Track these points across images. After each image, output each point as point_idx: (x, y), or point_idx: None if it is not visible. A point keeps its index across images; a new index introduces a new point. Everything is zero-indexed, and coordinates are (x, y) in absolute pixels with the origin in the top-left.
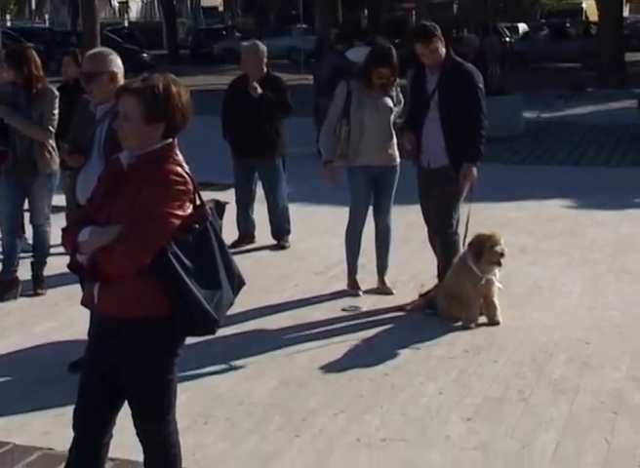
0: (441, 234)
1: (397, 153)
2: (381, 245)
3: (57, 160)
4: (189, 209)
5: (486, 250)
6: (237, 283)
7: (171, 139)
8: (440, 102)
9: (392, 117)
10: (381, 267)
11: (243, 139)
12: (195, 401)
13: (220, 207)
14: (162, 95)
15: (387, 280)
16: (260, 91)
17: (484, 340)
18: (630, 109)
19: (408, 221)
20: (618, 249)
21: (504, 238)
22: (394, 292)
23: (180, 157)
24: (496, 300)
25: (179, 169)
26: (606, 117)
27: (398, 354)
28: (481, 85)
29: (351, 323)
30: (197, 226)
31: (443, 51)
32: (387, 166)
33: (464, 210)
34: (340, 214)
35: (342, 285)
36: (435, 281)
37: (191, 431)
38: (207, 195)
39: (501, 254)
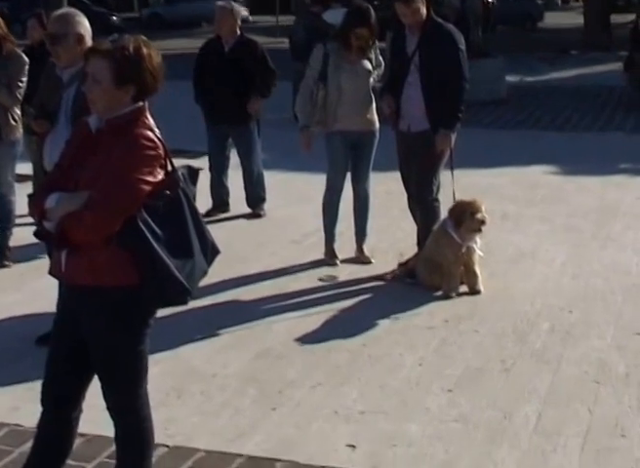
0: (421, 201)
1: (376, 118)
2: (360, 212)
3: (21, 128)
4: (160, 175)
5: (467, 217)
6: (211, 252)
7: (141, 103)
8: (420, 65)
9: (371, 80)
10: (360, 235)
11: (216, 104)
12: (168, 374)
13: (193, 173)
14: (133, 56)
15: (366, 248)
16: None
17: (465, 310)
18: (616, 72)
19: (387, 188)
20: (602, 215)
21: (486, 205)
22: (373, 260)
23: (151, 121)
24: (477, 269)
25: (149, 133)
26: (591, 81)
27: (377, 324)
28: (463, 47)
29: (329, 293)
30: (168, 193)
31: (424, 11)
32: (366, 131)
33: (446, 176)
34: (317, 182)
35: (320, 254)
36: (415, 249)
37: (164, 405)
38: (180, 163)
39: (483, 222)
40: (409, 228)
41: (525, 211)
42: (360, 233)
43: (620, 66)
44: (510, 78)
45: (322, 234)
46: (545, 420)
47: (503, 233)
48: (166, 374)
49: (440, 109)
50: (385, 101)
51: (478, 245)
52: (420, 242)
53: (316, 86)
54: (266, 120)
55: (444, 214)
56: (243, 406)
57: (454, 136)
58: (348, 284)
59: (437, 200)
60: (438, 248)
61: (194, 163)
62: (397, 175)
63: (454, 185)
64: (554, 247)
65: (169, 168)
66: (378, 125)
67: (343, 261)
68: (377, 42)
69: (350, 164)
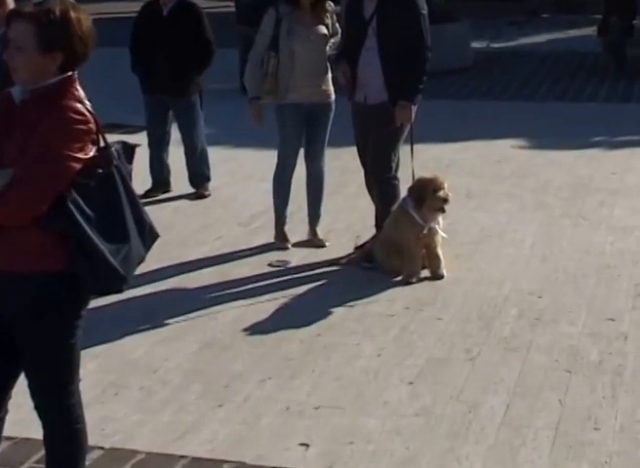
0: (379, 178)
1: (332, 89)
2: (313, 191)
3: None
4: (92, 151)
5: (428, 195)
6: (149, 235)
7: (70, 73)
8: (378, 30)
9: (327, 48)
10: (313, 216)
11: (154, 73)
12: (104, 368)
13: (128, 149)
14: (59, 20)
15: (320, 231)
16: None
17: (427, 295)
18: (590, 37)
19: (343, 165)
20: (574, 191)
21: (449, 181)
22: (327, 243)
23: (81, 93)
24: (439, 251)
25: (78, 105)
26: (563, 46)
27: (331, 312)
28: (425, 12)
29: (279, 279)
30: (101, 171)
31: None
32: (321, 103)
33: (406, 151)
34: (267, 158)
35: (269, 236)
36: (373, 231)
37: (100, 402)
38: (116, 139)
39: (445, 200)
40: (366, 208)
41: (491, 187)
42: (313, 214)
43: (594, 31)
44: (476, 44)
45: (272, 215)
46: (513, 412)
47: (468, 212)
48: (102, 369)
49: (399, 79)
50: (340, 69)
51: (441, 225)
52: (379, 223)
53: (267, 53)
54: (211, 90)
55: (404, 192)
56: (186, 402)
57: (414, 109)
58: (301, 269)
59: (396, 177)
60: (398, 229)
61: (131, 139)
62: (353, 150)
63: (413, 161)
64: (522, 226)
65: (101, 143)
66: (334, 96)
67: (295, 245)
68: (333, 6)
69: (304, 139)
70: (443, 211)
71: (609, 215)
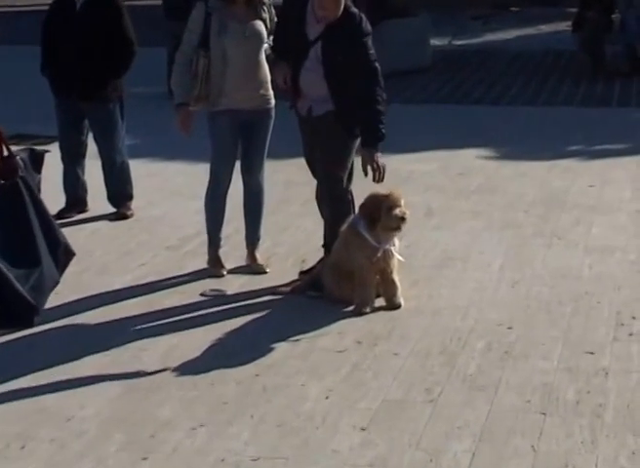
0: (328, 192)
1: (272, 93)
2: (252, 210)
3: None
4: None
5: (383, 213)
6: (64, 255)
7: None
8: (324, 59)
9: (265, 46)
10: (252, 239)
11: (66, 75)
12: (9, 418)
13: (36, 157)
14: None
15: (259, 255)
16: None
17: (382, 328)
18: (564, 33)
19: (285, 179)
20: (547, 207)
21: (406, 198)
22: (268, 270)
23: None
24: (396, 277)
25: None
26: (535, 43)
27: (273, 349)
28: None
29: (213, 310)
30: (4, 182)
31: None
32: (259, 109)
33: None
34: (198, 172)
35: (202, 262)
36: (320, 253)
37: (4, 458)
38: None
39: (402, 219)
40: (313, 227)
41: (454, 204)
42: (252, 236)
43: (569, 26)
44: (436, 41)
45: (204, 238)
46: (480, 461)
47: (428, 232)
48: (6, 419)
49: (347, 92)
50: (280, 75)
51: (397, 248)
52: (328, 244)
53: (196, 53)
54: (133, 95)
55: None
56: (106, 455)
57: (378, 156)
58: (238, 299)
59: (348, 191)
60: (348, 252)
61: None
62: (297, 162)
63: (351, 173)
64: (489, 247)
65: (4, 153)
66: (273, 102)
67: (231, 271)
68: None
69: (240, 150)
70: (399, 230)
71: (586, 234)
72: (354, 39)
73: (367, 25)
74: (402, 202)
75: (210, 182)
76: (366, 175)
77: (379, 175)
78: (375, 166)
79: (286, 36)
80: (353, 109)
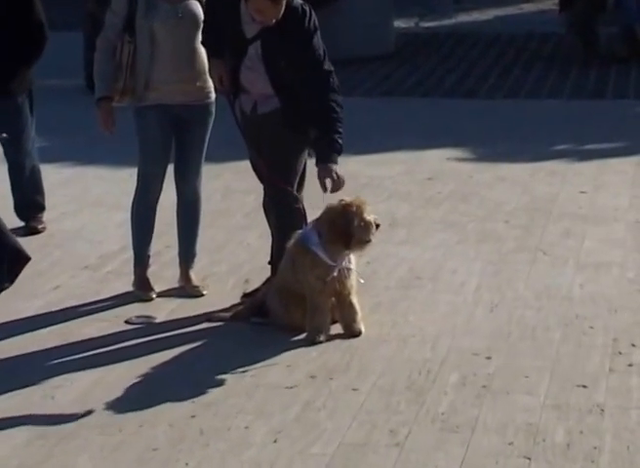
0: (275, 203)
1: (211, 85)
2: (187, 222)
3: None
4: None
5: (355, 225)
6: (13, 260)
7: None
8: (265, 60)
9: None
10: (186, 256)
11: None
12: None
13: None
14: None
15: (195, 275)
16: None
17: (339, 359)
18: (550, 13)
19: (225, 186)
20: (531, 217)
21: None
22: (205, 292)
23: None
24: (354, 300)
25: None
26: (516, 25)
27: (211, 385)
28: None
29: (141, 340)
30: None
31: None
32: (195, 105)
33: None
34: (123, 179)
35: (127, 284)
36: (267, 273)
37: None
38: None
39: (377, 226)
40: (257, 243)
41: (422, 213)
42: (186, 252)
43: (555, 4)
44: (400, 23)
45: (130, 255)
46: None
47: (392, 247)
48: None
49: (298, 106)
50: (215, 74)
51: (353, 264)
52: (275, 262)
53: (120, 38)
54: (45, 88)
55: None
56: None
57: (335, 170)
58: (169, 327)
59: (298, 200)
60: (296, 272)
61: None
62: (239, 166)
63: (303, 180)
64: (464, 264)
65: None
66: (213, 96)
67: (162, 294)
68: None
69: (174, 152)
70: (369, 242)
71: (577, 249)
72: (297, 39)
73: (312, 21)
74: (368, 207)
75: (137, 190)
76: (325, 190)
77: (336, 189)
78: (333, 179)
79: (218, 32)
80: (302, 108)
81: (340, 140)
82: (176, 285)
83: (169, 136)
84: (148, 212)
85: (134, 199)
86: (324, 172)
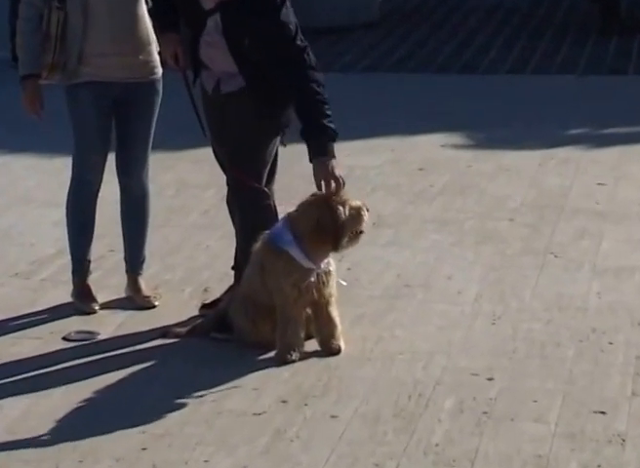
0: (239, 199)
1: (157, 59)
2: (133, 222)
3: None
4: None
5: (346, 217)
6: None
7: None
8: (226, 35)
9: None
10: (134, 261)
11: None
12: None
13: None
14: None
15: (145, 283)
16: None
17: (314, 381)
18: None
19: (178, 179)
20: (540, 214)
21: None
22: (157, 303)
23: None
24: (334, 312)
25: None
26: None
27: (165, 412)
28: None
29: (82, 361)
30: None
31: None
32: (138, 82)
33: (287, 154)
34: (57, 169)
35: (65, 294)
36: (230, 280)
37: None
38: None
39: (366, 209)
40: (218, 245)
41: (412, 210)
42: (133, 257)
43: None
44: None
45: (67, 260)
46: None
47: (377, 249)
48: None
49: (266, 84)
50: (167, 49)
51: (334, 268)
52: (240, 268)
53: (47, 5)
54: None
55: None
56: None
57: (332, 165)
58: (115, 344)
59: (266, 195)
60: (268, 278)
61: None
62: (196, 155)
63: (274, 170)
64: (461, 270)
65: None
66: (160, 71)
67: (106, 306)
68: None
69: (115, 139)
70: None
71: (594, 251)
72: (261, 10)
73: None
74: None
75: (72, 183)
76: (320, 190)
77: (336, 190)
78: (332, 178)
79: (170, 1)
80: (272, 87)
81: (331, 125)
82: (122, 295)
83: (107, 117)
84: (87, 208)
85: (69, 194)
86: (321, 168)
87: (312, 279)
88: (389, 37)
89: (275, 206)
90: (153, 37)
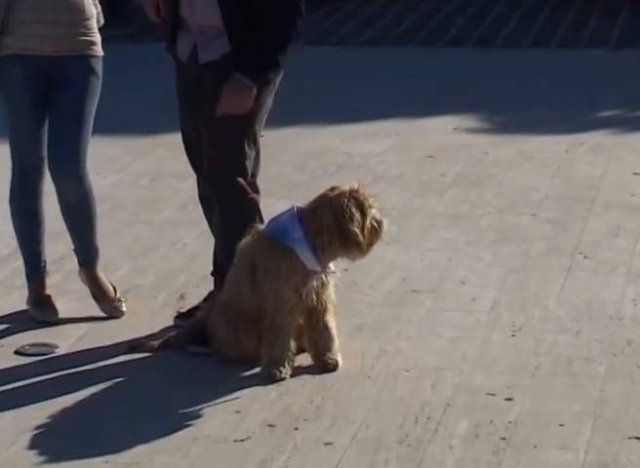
0: (222, 189)
1: (96, 32)
2: (74, 222)
3: None
4: None
5: (372, 217)
6: None
7: None
8: None
9: None
10: (84, 253)
11: None
12: None
13: None
14: None
15: (103, 276)
16: None
17: (306, 403)
18: None
19: (155, 167)
20: (568, 208)
21: None
22: (124, 309)
23: None
24: (331, 321)
25: None
26: None
27: (133, 438)
28: None
29: (36, 379)
30: None
31: None
32: (69, 57)
33: (273, 139)
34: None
35: (19, 301)
36: (209, 285)
37: None
38: None
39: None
40: (196, 244)
41: (420, 203)
42: (82, 250)
43: None
44: None
45: (19, 262)
46: None
47: (380, 249)
48: None
49: (248, 54)
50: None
51: (333, 269)
52: (221, 268)
53: None
54: None
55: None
56: None
57: (252, 92)
58: (76, 360)
59: (252, 185)
60: (264, 280)
61: None
62: (174, 141)
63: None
64: (476, 273)
65: None
66: (99, 50)
67: (67, 315)
68: None
69: (48, 123)
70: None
71: (629, 251)
72: None
73: None
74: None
75: (13, 173)
76: (220, 112)
77: (226, 108)
78: (237, 102)
79: None
80: (261, 48)
81: (278, 57)
82: (85, 301)
83: (39, 95)
84: (30, 201)
85: (11, 185)
86: (237, 87)
87: (316, 283)
88: (394, 6)
89: (258, 202)
90: (94, 11)
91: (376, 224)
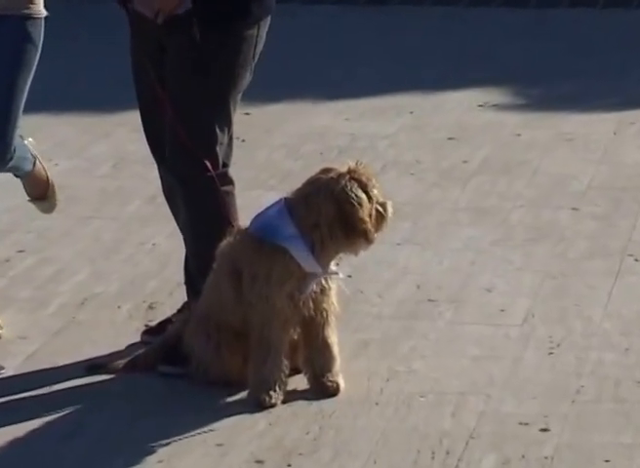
0: (189, 179)
1: None
2: None
3: None
4: None
5: (372, 202)
6: None
7: None
8: None
9: None
10: None
11: None
12: None
13: None
14: None
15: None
16: None
17: (301, 433)
18: None
19: (118, 151)
20: (615, 200)
21: None
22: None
23: None
24: (332, 336)
25: None
26: None
27: None
28: None
29: None
30: None
31: None
32: (2, 16)
33: (260, 116)
34: None
35: None
36: (183, 295)
37: None
38: None
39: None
40: (168, 245)
41: (439, 195)
42: None
43: None
44: None
45: None
46: None
47: (389, 249)
48: None
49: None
50: None
51: (336, 270)
52: (195, 277)
53: None
54: None
55: (249, 207)
56: None
57: None
58: (27, 382)
59: (227, 176)
60: (249, 286)
61: None
62: (138, 120)
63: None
64: (506, 279)
65: None
66: (39, 7)
67: (14, 328)
68: None
69: None
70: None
71: None
72: None
73: None
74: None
75: None
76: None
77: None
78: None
79: None
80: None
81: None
82: (35, 312)
83: None
84: None
85: None
86: None
87: (317, 288)
88: None
89: (234, 195)
90: None
91: (380, 208)
